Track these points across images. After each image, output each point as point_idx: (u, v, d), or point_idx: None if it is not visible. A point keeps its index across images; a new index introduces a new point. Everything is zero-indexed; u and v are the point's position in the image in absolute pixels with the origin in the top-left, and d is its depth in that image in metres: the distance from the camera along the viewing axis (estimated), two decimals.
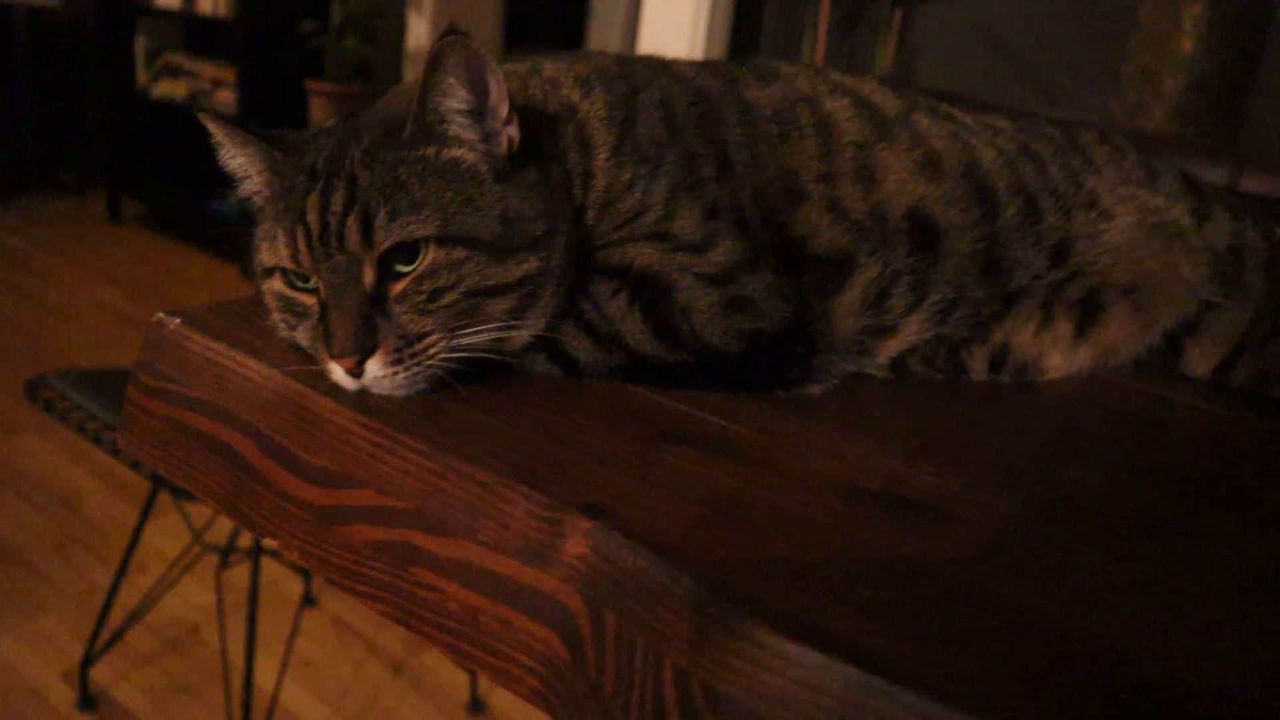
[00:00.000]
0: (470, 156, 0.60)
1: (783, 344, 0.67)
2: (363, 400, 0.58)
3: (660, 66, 0.76)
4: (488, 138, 0.61)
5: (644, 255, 0.65)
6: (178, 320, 0.65)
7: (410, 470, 0.53)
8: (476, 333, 0.59)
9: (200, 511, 2.23)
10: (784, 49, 3.79)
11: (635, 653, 0.44)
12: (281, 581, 2.40)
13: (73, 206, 5.10)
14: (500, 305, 0.60)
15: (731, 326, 0.65)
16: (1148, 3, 2.54)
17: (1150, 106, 2.62)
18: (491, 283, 0.59)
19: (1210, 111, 2.56)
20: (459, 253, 0.58)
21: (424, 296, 0.58)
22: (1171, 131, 2.57)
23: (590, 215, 0.65)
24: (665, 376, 0.64)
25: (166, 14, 4.56)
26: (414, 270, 0.58)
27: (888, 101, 0.80)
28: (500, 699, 2.26)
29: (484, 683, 2.27)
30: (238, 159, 0.64)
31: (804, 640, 0.40)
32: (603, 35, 5.56)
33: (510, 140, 0.62)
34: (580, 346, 0.64)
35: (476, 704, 2.20)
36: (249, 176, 0.65)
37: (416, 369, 0.58)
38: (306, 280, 0.61)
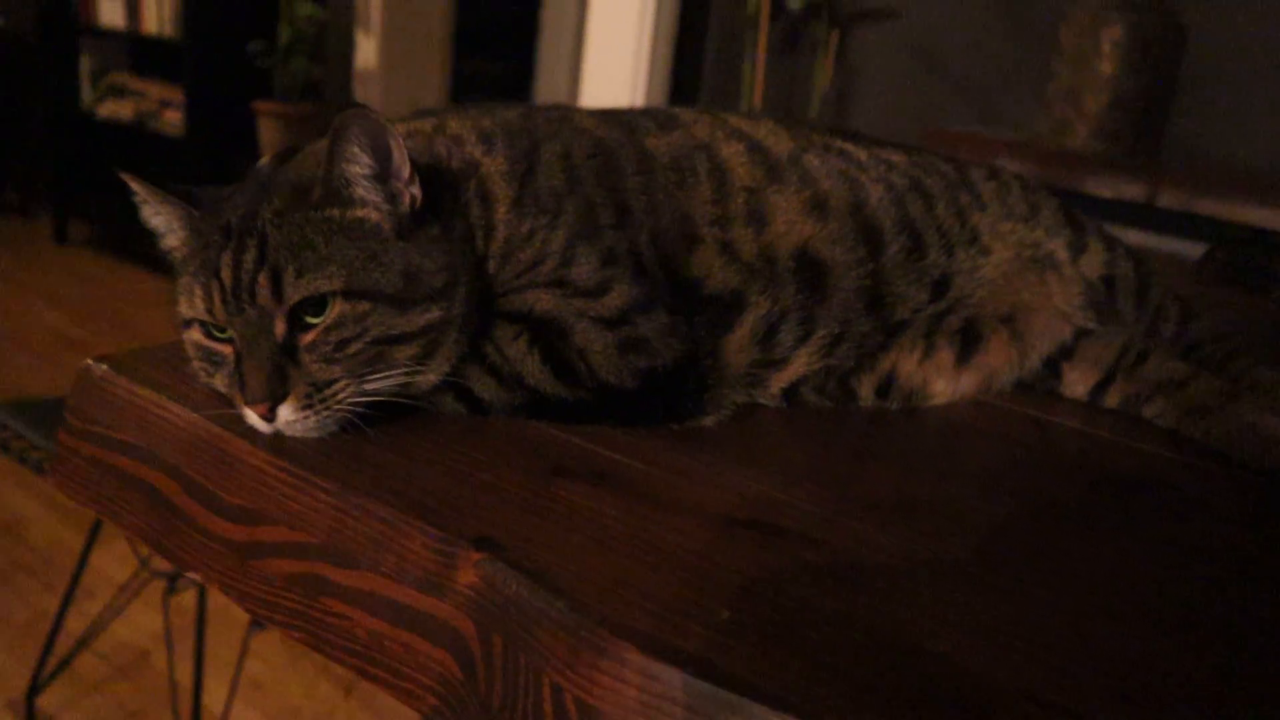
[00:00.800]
0: (374, 216, 0.65)
1: (676, 380, 0.72)
2: (277, 442, 0.62)
3: (562, 119, 0.81)
4: (391, 198, 0.65)
5: (542, 301, 0.69)
6: (104, 366, 0.69)
7: (319, 508, 0.57)
8: (383, 378, 0.64)
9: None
10: (725, 72, 3.86)
11: (519, 671, 0.49)
12: (230, 605, 2.41)
13: (18, 228, 5.05)
14: (405, 352, 0.64)
15: (627, 365, 0.70)
16: (1069, 25, 2.65)
17: (1074, 125, 2.73)
18: (395, 332, 0.64)
19: (1130, 130, 2.67)
20: (363, 306, 0.63)
21: (331, 346, 0.63)
22: (1094, 149, 2.67)
23: (492, 265, 0.70)
24: (565, 413, 0.69)
25: (111, 34, 4.54)
26: (321, 322, 0.63)
27: (780, 144, 0.86)
28: None
29: None
30: (158, 216, 0.68)
31: (662, 658, 0.45)
32: (551, 51, 5.61)
33: (413, 199, 0.66)
34: (485, 387, 0.68)
35: None
36: (169, 233, 0.69)
37: (326, 413, 0.62)
38: (222, 331, 0.65)
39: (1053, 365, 0.89)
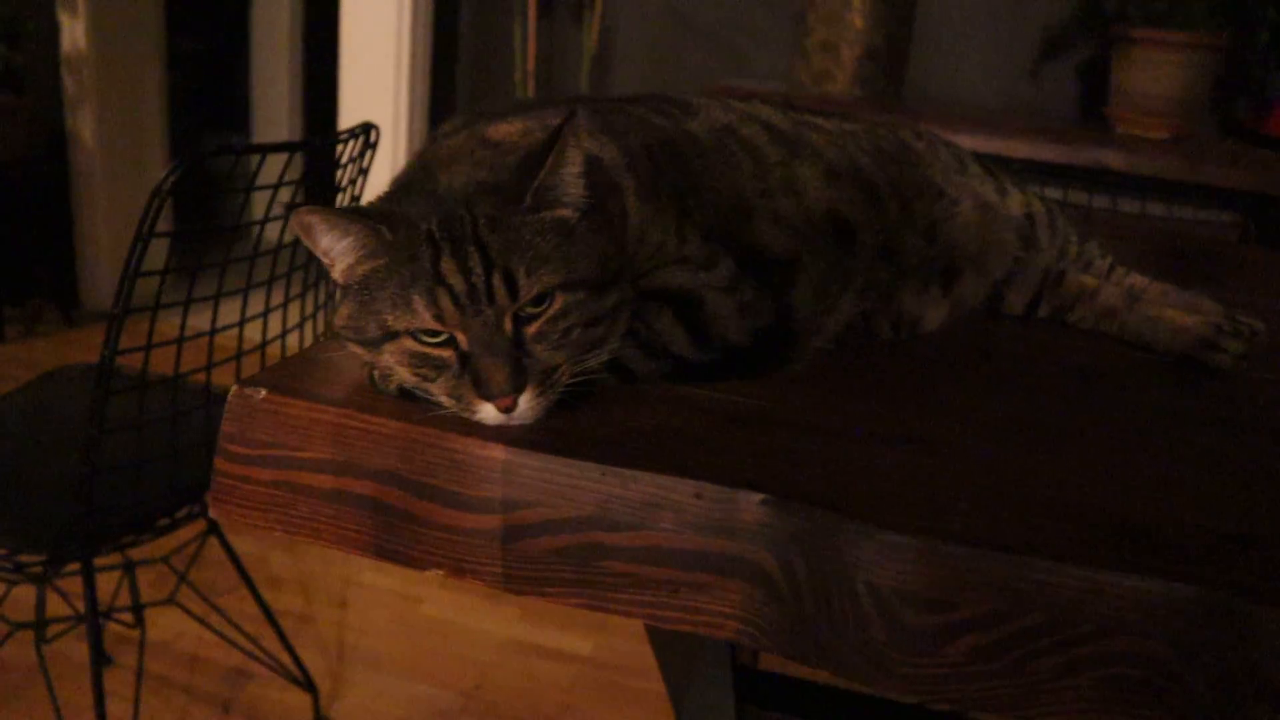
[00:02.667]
0: (574, 215, 0.71)
1: (778, 333, 0.83)
2: (502, 433, 0.67)
3: (618, 109, 0.88)
4: (580, 199, 0.71)
5: (676, 278, 0.78)
6: (263, 391, 0.70)
7: (582, 484, 0.63)
8: (586, 357, 0.70)
9: None
10: (485, 34, 3.87)
11: (828, 580, 0.59)
12: (68, 650, 2.23)
13: None
14: (599, 332, 0.71)
15: (745, 326, 0.80)
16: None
17: (833, 74, 3.04)
18: (596, 313, 0.70)
19: (882, 75, 3.03)
20: (580, 295, 0.69)
21: (558, 334, 0.68)
22: (853, 95, 3.00)
23: (631, 248, 0.77)
24: (700, 374, 0.79)
25: None
26: (545, 314, 0.68)
27: (782, 122, 0.98)
28: (345, 712, 2.26)
29: (326, 699, 2.27)
30: (344, 240, 0.69)
31: (950, 539, 0.58)
32: (266, 24, 5.30)
33: (587, 200, 0.72)
34: (634, 359, 0.76)
35: None
36: (347, 254, 0.70)
37: (551, 395, 0.68)
38: (437, 336, 0.68)
39: (998, 291, 1.09)
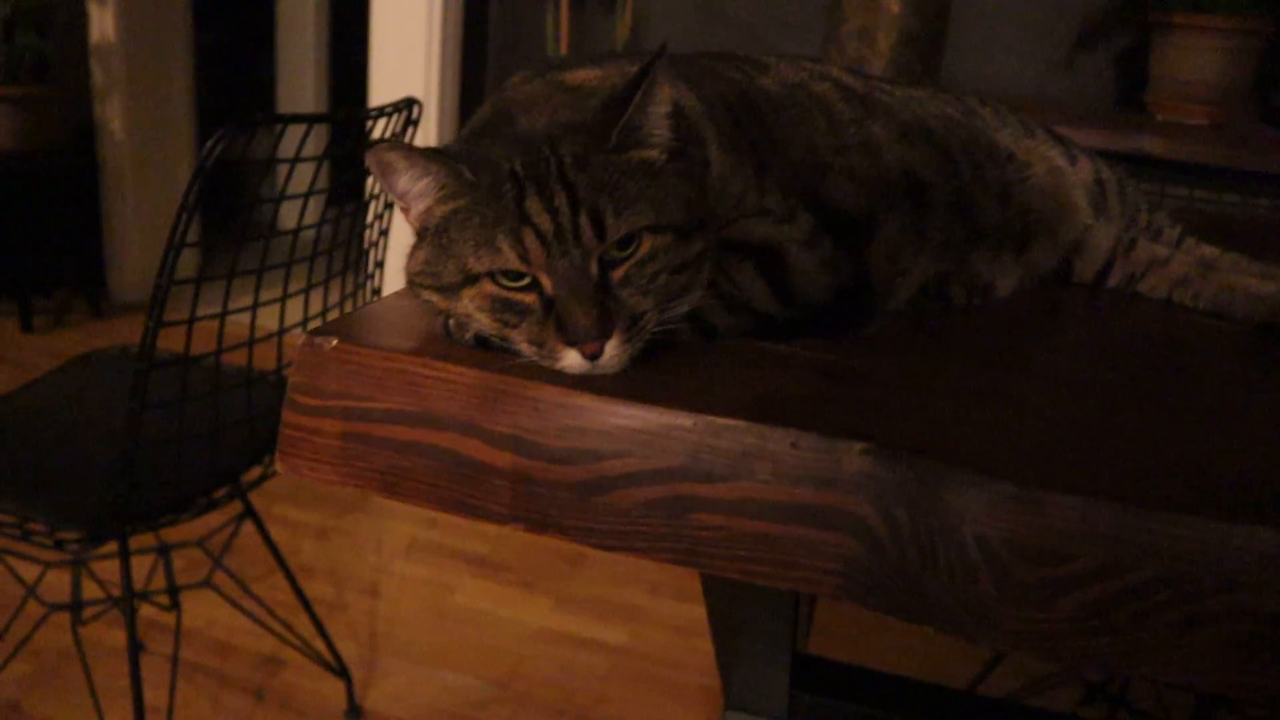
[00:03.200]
0: (661, 157, 0.68)
1: (857, 292, 0.80)
2: (585, 382, 0.65)
3: (690, 62, 0.86)
4: (667, 142, 0.69)
5: (759, 229, 0.76)
6: (334, 340, 0.68)
7: (672, 434, 0.61)
8: (671, 305, 0.68)
9: (28, 569, 2.01)
10: (516, 23, 3.85)
11: (933, 533, 0.57)
12: (100, 636, 2.22)
13: None
14: (684, 280, 0.69)
15: (827, 283, 0.77)
16: None
17: (869, 61, 3.01)
18: (682, 260, 0.68)
19: (917, 63, 2.99)
20: (667, 238, 0.67)
21: (646, 279, 0.66)
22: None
23: (712, 197, 0.75)
24: (781, 331, 0.76)
25: None
26: (632, 257, 0.66)
27: (854, 82, 0.95)
28: (378, 700, 2.25)
29: (359, 688, 2.25)
30: (422, 180, 0.67)
31: (1061, 489, 0.55)
32: (291, 16, 5.31)
33: (673, 144, 0.70)
34: (715, 313, 0.74)
35: (354, 710, 2.18)
36: (426, 195, 0.68)
37: (637, 343, 0.66)
38: (520, 278, 0.66)
39: (1066, 258, 1.06)
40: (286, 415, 0.69)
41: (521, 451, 0.64)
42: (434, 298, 0.69)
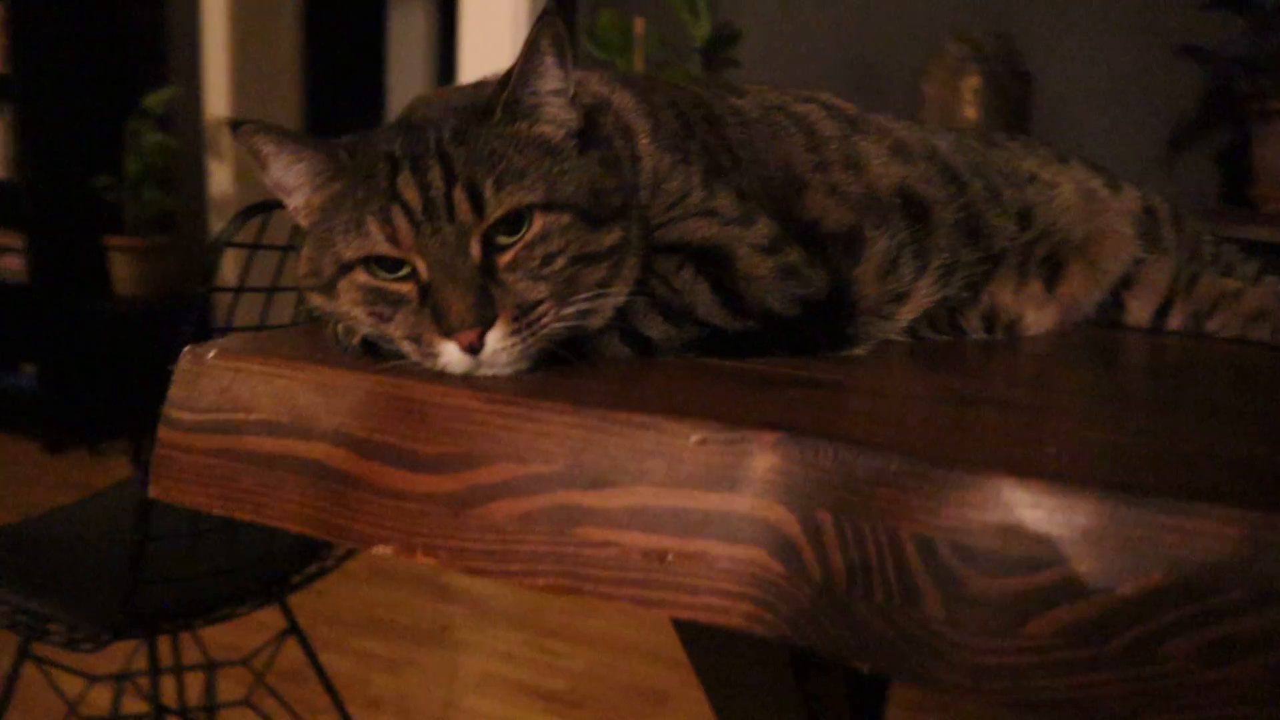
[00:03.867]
0: (558, 133, 0.61)
1: (830, 307, 0.70)
2: (472, 382, 0.56)
3: (649, 78, 0.80)
4: (569, 117, 0.62)
5: (701, 229, 0.66)
6: (213, 350, 0.61)
7: (553, 432, 0.51)
8: (578, 300, 0.59)
9: (73, 683, 1.97)
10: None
11: (865, 539, 0.44)
12: None
13: None
14: (595, 274, 0.60)
15: (788, 292, 0.67)
16: (930, 79, 2.86)
17: None
18: (589, 249, 0.59)
19: None
20: (564, 218, 0.58)
21: (536, 262, 0.58)
22: None
23: (644, 195, 0.67)
24: (733, 346, 0.66)
25: None
26: (522, 238, 0.58)
27: (846, 106, 0.87)
28: None
29: None
30: (294, 168, 0.62)
31: (1036, 474, 0.41)
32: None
33: (577, 124, 0.63)
34: (652, 324, 0.64)
35: None
36: (302, 186, 0.62)
37: (530, 339, 0.57)
38: (397, 268, 0.58)
39: (1116, 295, 0.93)
40: (161, 433, 0.61)
41: (392, 460, 0.54)
42: (319, 301, 0.62)
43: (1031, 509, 0.41)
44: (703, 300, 0.64)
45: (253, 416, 0.59)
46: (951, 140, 0.90)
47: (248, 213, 1.38)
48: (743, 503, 0.47)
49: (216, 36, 4.15)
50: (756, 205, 0.70)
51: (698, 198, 0.68)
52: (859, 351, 0.72)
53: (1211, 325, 0.90)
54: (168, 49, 4.32)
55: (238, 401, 0.59)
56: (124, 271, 4.20)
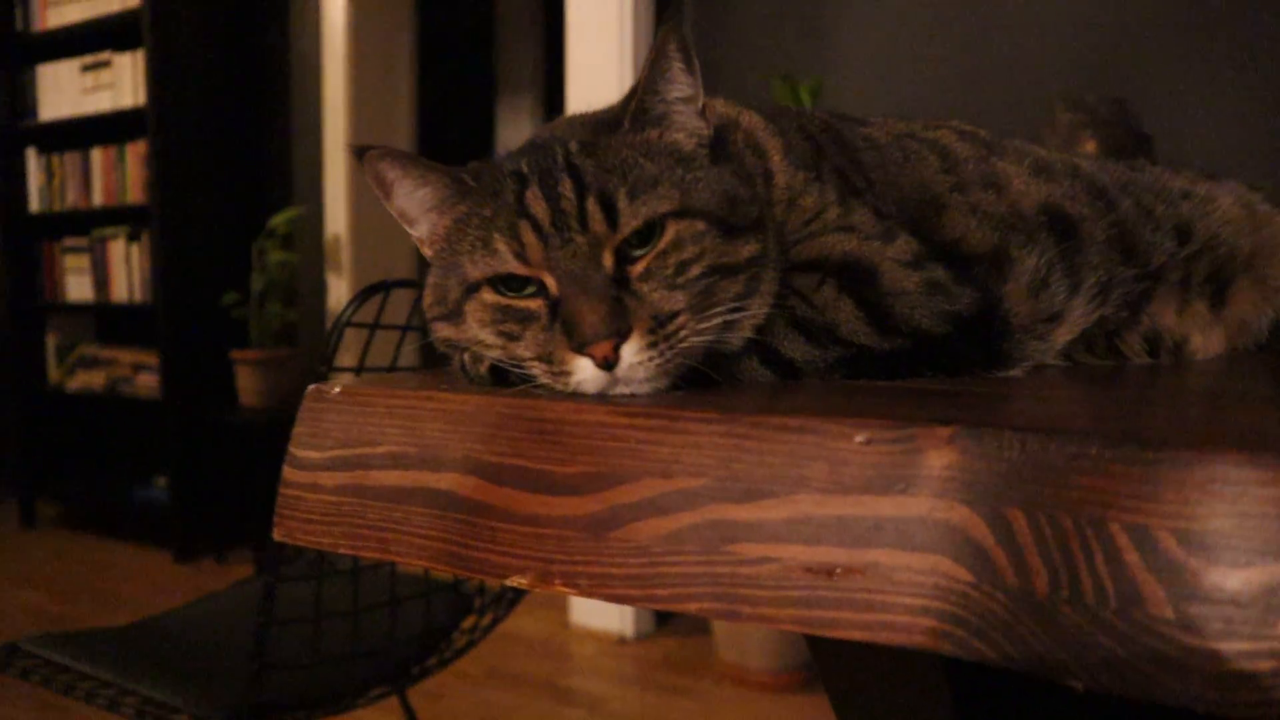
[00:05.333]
0: (689, 142, 0.60)
1: (983, 324, 0.65)
2: (609, 400, 0.53)
3: (777, 105, 0.78)
4: (698, 128, 0.60)
5: (841, 244, 0.63)
6: (337, 387, 0.59)
7: (700, 443, 0.47)
8: (715, 314, 0.55)
9: None
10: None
11: (1067, 535, 0.38)
12: None
13: None
14: (733, 287, 0.57)
15: (936, 307, 0.62)
16: (1042, 146, 2.80)
17: None
18: (726, 260, 0.57)
19: None
20: (699, 224, 0.56)
21: (671, 270, 0.55)
22: None
23: (778, 211, 0.64)
24: (883, 366, 0.61)
25: (79, 307, 4.52)
26: (656, 247, 0.56)
27: (980, 131, 0.83)
28: None
29: None
30: (418, 193, 0.61)
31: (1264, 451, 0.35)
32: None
33: (708, 136, 0.61)
34: (793, 344, 0.60)
35: None
36: (428, 212, 0.61)
37: (669, 353, 0.54)
38: (524, 286, 0.57)
39: None
40: (286, 473, 0.60)
41: (525, 484, 0.51)
42: (446, 330, 0.61)
43: (1267, 487, 0.35)
44: (846, 318, 0.60)
45: (379, 450, 0.56)
46: (1094, 162, 0.84)
47: (367, 293, 1.40)
48: (918, 505, 0.42)
49: (336, 158, 4.39)
50: (895, 224, 0.67)
51: (834, 214, 0.65)
52: (1016, 373, 0.66)
53: None
54: (292, 172, 4.58)
55: (363, 436, 0.57)
56: (249, 384, 4.37)
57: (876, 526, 0.42)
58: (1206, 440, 0.37)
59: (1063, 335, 0.72)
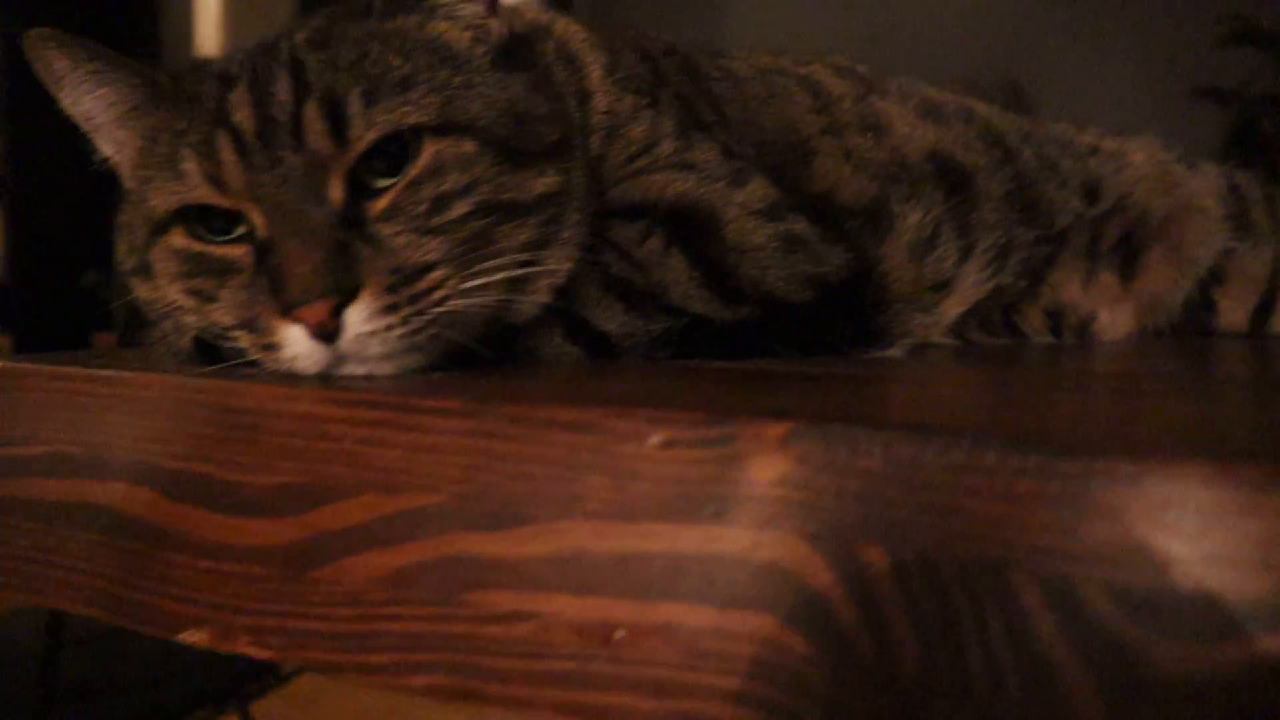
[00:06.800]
0: (464, 36, 0.45)
1: (854, 292, 0.52)
2: (331, 384, 0.38)
3: (620, 30, 0.64)
4: (479, 20, 0.46)
5: (675, 184, 0.49)
6: (2, 361, 0.43)
7: (438, 445, 0.33)
8: (492, 269, 0.41)
9: None
10: None
11: (948, 589, 0.25)
12: None
13: None
14: (519, 233, 0.43)
15: (795, 268, 0.49)
16: None
17: None
18: (508, 196, 0.42)
19: None
20: (468, 145, 0.41)
21: (425, 207, 0.40)
22: None
23: (595, 141, 0.50)
24: (725, 342, 0.48)
25: None
26: (408, 174, 0.41)
27: (859, 66, 0.71)
28: None
29: None
30: (97, 93, 0.45)
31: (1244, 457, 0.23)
32: None
33: (499, 34, 0.46)
34: (608, 313, 0.46)
35: None
36: (113, 123, 0.45)
37: (416, 322, 0.39)
38: (227, 229, 0.41)
39: (1205, 292, 0.75)
40: None
41: (209, 500, 0.36)
42: (144, 290, 0.46)
43: (1247, 516, 0.23)
44: (678, 278, 0.47)
45: (33, 449, 0.41)
46: (992, 107, 0.73)
47: None
48: (736, 539, 0.28)
49: None
50: (749, 166, 0.53)
51: (669, 148, 0.51)
52: (894, 352, 0.54)
53: None
54: None
55: (15, 431, 0.41)
56: None
57: (675, 570, 0.29)
58: (1153, 445, 0.25)
59: (952, 308, 0.60)
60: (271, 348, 0.39)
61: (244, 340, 0.40)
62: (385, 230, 0.40)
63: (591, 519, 0.30)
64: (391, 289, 0.39)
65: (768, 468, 0.28)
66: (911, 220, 0.58)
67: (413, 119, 0.41)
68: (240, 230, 0.41)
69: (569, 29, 0.55)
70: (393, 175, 0.41)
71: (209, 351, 0.43)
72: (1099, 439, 0.27)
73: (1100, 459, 0.24)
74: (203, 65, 0.45)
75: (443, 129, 0.41)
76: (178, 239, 0.42)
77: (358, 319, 0.38)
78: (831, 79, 0.66)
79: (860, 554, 0.27)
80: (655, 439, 0.30)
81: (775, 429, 0.29)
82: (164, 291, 0.44)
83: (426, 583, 0.32)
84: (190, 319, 0.43)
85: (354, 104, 0.40)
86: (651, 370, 0.43)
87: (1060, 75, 2.95)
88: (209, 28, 4.05)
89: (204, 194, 0.41)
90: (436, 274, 0.40)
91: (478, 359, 0.42)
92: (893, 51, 3.11)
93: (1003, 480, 0.25)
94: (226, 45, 3.86)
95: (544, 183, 0.43)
